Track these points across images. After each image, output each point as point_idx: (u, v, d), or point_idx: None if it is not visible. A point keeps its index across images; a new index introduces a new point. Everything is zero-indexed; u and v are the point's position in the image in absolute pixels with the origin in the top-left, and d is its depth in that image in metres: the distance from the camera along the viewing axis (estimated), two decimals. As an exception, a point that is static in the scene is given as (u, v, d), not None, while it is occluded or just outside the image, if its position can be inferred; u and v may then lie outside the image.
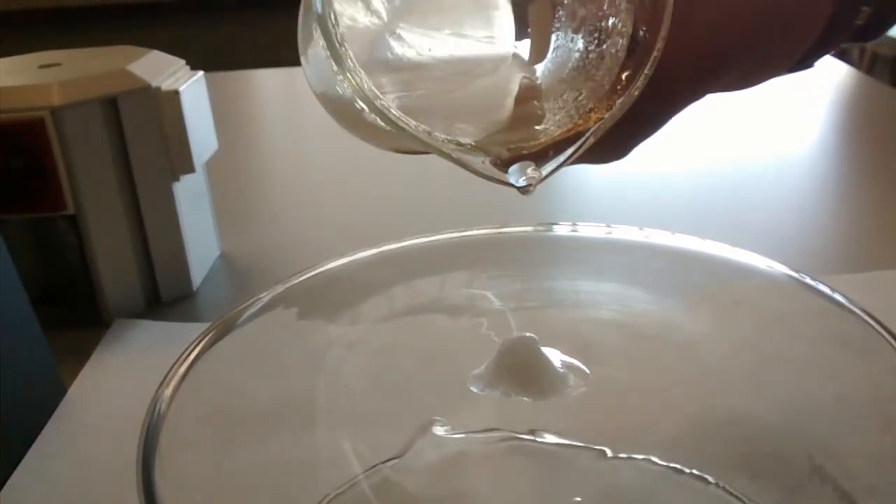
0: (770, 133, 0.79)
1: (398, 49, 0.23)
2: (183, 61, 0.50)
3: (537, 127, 0.24)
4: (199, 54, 0.62)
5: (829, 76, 0.96)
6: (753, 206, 0.62)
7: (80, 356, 0.44)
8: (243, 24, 2.19)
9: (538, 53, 0.25)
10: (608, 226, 0.36)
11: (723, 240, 0.33)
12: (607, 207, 0.63)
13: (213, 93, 0.52)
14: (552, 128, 0.24)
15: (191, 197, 0.51)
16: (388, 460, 0.32)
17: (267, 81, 1.09)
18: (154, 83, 0.46)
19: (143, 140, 0.47)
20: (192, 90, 0.48)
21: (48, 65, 0.47)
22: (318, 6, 0.21)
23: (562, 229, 0.37)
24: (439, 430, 0.33)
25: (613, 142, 0.24)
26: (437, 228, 0.36)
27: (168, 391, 0.25)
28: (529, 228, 0.37)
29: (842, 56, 1.11)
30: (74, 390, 0.41)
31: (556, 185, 0.67)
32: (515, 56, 0.25)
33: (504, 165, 0.23)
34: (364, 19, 0.23)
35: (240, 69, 1.10)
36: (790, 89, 0.90)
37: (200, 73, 0.50)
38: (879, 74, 1.90)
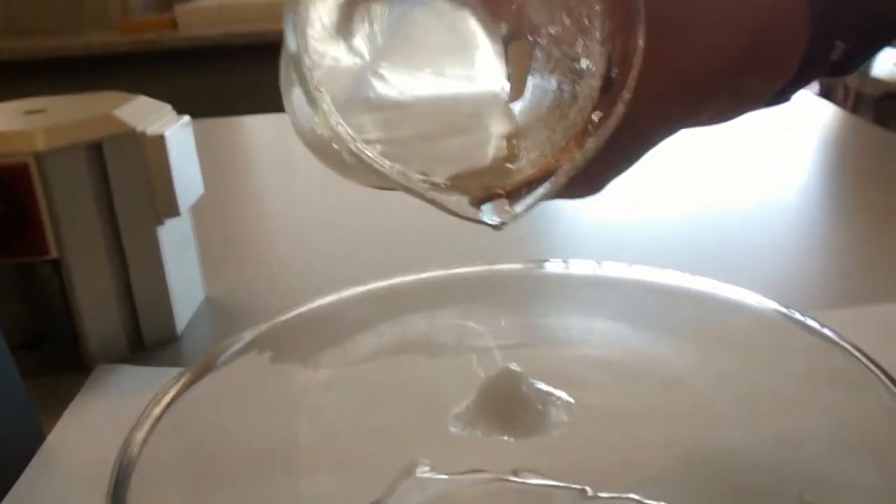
0: (758, 170, 0.79)
1: (380, 89, 0.23)
2: (169, 106, 0.50)
3: (511, 165, 0.24)
4: (187, 102, 0.62)
5: (815, 115, 0.97)
6: (742, 243, 0.62)
7: (62, 402, 0.43)
8: (231, 71, 2.21)
9: (517, 92, 0.25)
10: (598, 262, 0.36)
11: (712, 276, 0.33)
12: (597, 245, 0.63)
13: (200, 138, 0.52)
14: (526, 166, 0.24)
15: (176, 241, 0.50)
16: (371, 504, 0.32)
17: (254, 128, 1.10)
18: (140, 128, 0.46)
19: (128, 184, 0.46)
20: (178, 134, 0.48)
21: (33, 111, 0.47)
22: (293, 47, 0.21)
23: (552, 266, 0.36)
24: (423, 472, 0.32)
25: (587, 178, 0.24)
26: (427, 266, 0.35)
27: (141, 434, 0.24)
28: (520, 265, 0.36)
29: (827, 95, 1.12)
30: (53, 437, 0.40)
31: (545, 223, 0.67)
32: (496, 95, 0.25)
33: (478, 204, 0.23)
34: (347, 59, 0.23)
35: (227, 116, 1.10)
36: (778, 127, 0.91)
37: (187, 117, 0.50)
38: (864, 113, 1.93)
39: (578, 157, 0.23)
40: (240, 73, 2.17)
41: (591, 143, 0.23)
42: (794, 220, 0.67)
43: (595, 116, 0.23)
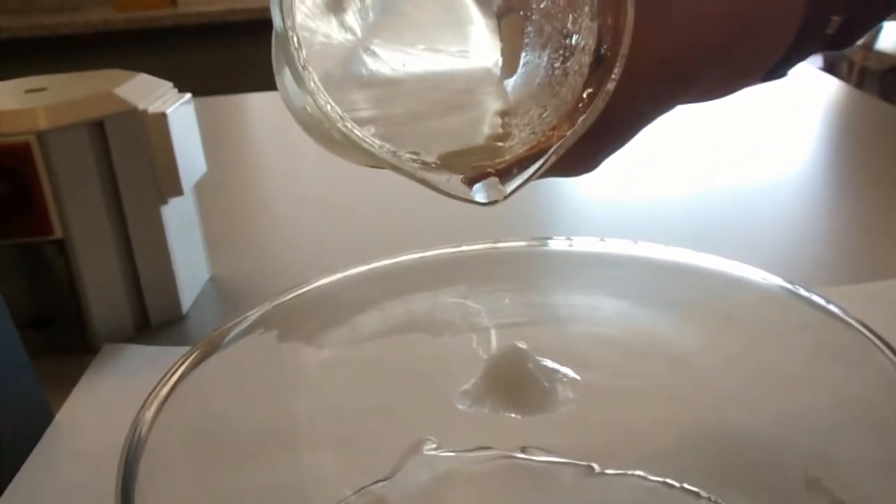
0: (763, 146, 0.79)
1: (372, 65, 0.23)
2: (170, 84, 0.50)
3: (502, 144, 0.24)
4: (188, 79, 0.62)
5: (820, 90, 0.96)
6: (747, 219, 0.62)
7: (69, 382, 0.43)
8: (232, 48, 2.20)
9: (510, 69, 0.25)
10: (602, 240, 0.36)
11: (717, 252, 0.33)
12: (602, 222, 0.62)
13: (202, 117, 0.52)
14: (517, 145, 0.24)
15: (180, 220, 0.50)
16: (378, 481, 0.32)
17: (256, 105, 1.09)
18: (141, 106, 0.46)
19: (131, 163, 0.46)
20: (180, 112, 0.48)
21: (34, 90, 0.47)
22: (279, 25, 0.21)
23: (556, 244, 0.36)
24: (430, 450, 0.32)
25: (581, 156, 0.24)
26: (431, 245, 0.35)
27: (149, 413, 0.25)
28: (523, 243, 0.36)
29: (831, 70, 1.12)
30: (62, 416, 0.40)
31: (549, 201, 0.67)
32: (488, 71, 0.25)
33: (469, 183, 0.23)
34: (338, 36, 0.23)
35: (229, 93, 1.10)
36: (782, 103, 0.90)
37: (188, 95, 0.50)
38: (869, 88, 1.91)
39: (569, 135, 0.23)
40: (241, 50, 2.16)
41: (581, 121, 0.23)
42: (799, 196, 0.67)
43: (585, 94, 0.23)
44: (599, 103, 0.23)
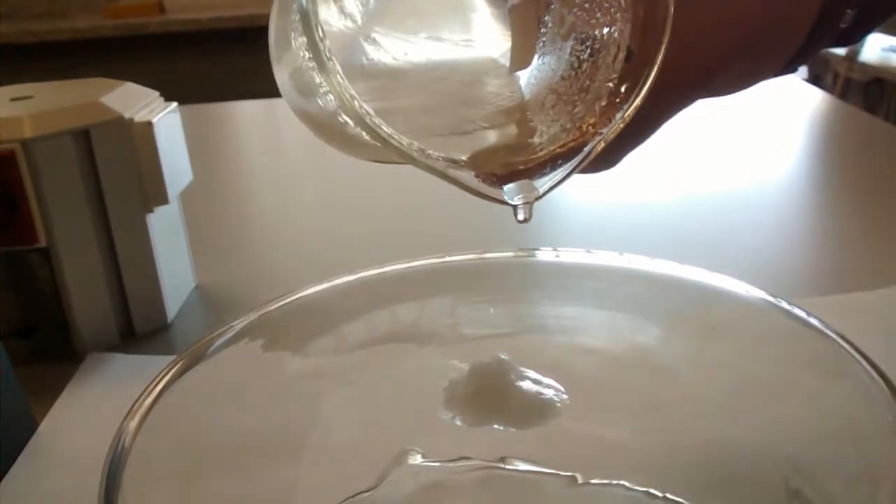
0: (747, 157, 0.80)
1: (373, 54, 0.22)
2: (157, 93, 0.50)
3: (530, 140, 0.23)
4: (174, 87, 0.62)
5: (804, 101, 0.97)
6: (731, 231, 0.62)
7: (54, 391, 0.43)
8: (219, 56, 2.20)
9: (520, 60, 0.24)
10: (588, 251, 0.36)
11: (701, 264, 0.33)
12: (587, 233, 0.63)
13: (188, 125, 0.52)
14: (547, 142, 0.23)
15: (165, 228, 0.50)
16: (362, 492, 0.32)
17: (243, 114, 1.09)
18: (127, 115, 0.46)
19: (117, 171, 0.46)
20: (166, 121, 0.48)
21: (20, 98, 0.47)
22: (304, 7, 0.19)
23: (542, 255, 0.37)
24: (415, 460, 0.32)
25: (606, 153, 0.23)
26: (418, 254, 0.36)
27: (133, 423, 0.24)
28: (510, 254, 0.36)
29: (816, 81, 1.13)
30: (46, 426, 0.40)
31: (536, 210, 0.67)
32: (495, 62, 0.24)
33: (499, 182, 0.22)
34: (338, 23, 0.22)
35: (217, 101, 1.10)
36: (767, 113, 0.91)
37: (174, 104, 0.50)
38: (853, 99, 1.93)
39: (607, 132, 0.22)
40: (229, 58, 2.15)
41: (620, 117, 0.22)
42: (783, 206, 0.68)
43: (622, 88, 0.22)
44: (638, 99, 0.22)
